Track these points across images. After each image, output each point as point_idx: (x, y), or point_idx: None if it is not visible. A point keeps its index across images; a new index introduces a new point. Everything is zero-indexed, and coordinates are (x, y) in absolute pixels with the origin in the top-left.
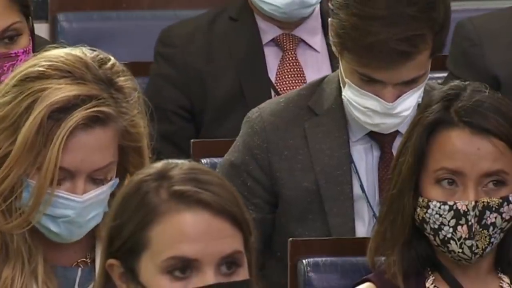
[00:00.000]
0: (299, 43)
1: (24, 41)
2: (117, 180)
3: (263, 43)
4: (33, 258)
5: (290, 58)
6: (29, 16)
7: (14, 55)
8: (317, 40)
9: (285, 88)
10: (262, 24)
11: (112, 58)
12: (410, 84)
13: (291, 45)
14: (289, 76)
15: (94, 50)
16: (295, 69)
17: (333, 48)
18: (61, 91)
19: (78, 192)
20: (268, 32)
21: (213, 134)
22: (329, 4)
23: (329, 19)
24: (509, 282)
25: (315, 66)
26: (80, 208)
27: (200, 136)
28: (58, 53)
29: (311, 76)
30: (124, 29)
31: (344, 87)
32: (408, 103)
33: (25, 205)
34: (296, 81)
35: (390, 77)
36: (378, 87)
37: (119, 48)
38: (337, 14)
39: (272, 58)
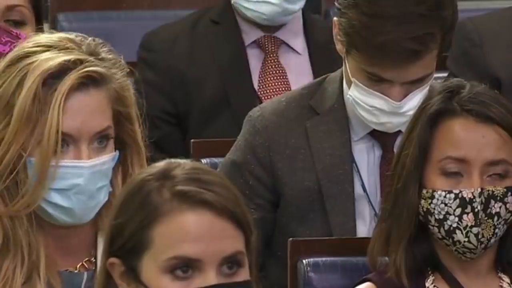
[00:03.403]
0: (281, 45)
1: (28, 32)
2: (117, 153)
3: (245, 44)
4: (33, 249)
5: (272, 60)
6: (38, 14)
7: (14, 34)
8: (298, 42)
9: (267, 90)
10: (244, 26)
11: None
12: (417, 83)
13: (273, 47)
14: (271, 78)
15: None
16: (277, 71)
17: (337, 47)
18: (50, 59)
19: (83, 157)
20: (250, 34)
21: (200, 137)
22: (336, 3)
23: (334, 18)
24: (509, 281)
25: (297, 68)
26: (88, 174)
27: (187, 140)
28: (43, 35)
29: (293, 78)
30: (124, 29)
31: (349, 86)
32: (414, 102)
33: (30, 184)
34: (278, 82)
35: (399, 76)
36: (386, 86)
37: (119, 48)
38: (345, 13)
39: (254, 60)
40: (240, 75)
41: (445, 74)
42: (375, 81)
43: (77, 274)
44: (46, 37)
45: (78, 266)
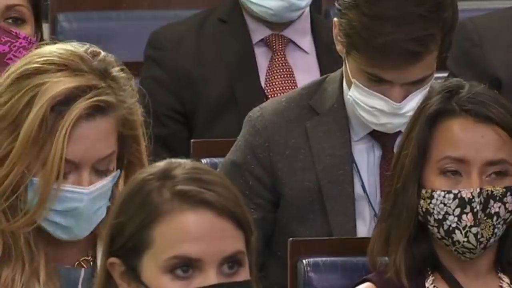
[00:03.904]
0: (288, 43)
1: (27, 30)
2: (119, 172)
3: (253, 43)
4: (34, 259)
5: (279, 59)
6: (38, 13)
7: (14, 34)
8: (306, 41)
9: (274, 88)
10: (251, 24)
11: (102, 51)
12: (417, 84)
13: (280, 46)
14: (278, 76)
15: (85, 44)
16: (284, 70)
17: (337, 48)
18: (60, 83)
19: (84, 184)
20: (258, 32)
21: (206, 136)
22: (336, 4)
23: (335, 19)
24: (508, 282)
25: (304, 66)
26: (88, 200)
27: (193, 139)
28: (51, 49)
29: (300, 76)
30: (124, 29)
31: (349, 86)
32: (415, 103)
33: (31, 204)
34: (285, 81)
35: (399, 77)
36: (386, 87)
37: (119, 48)
38: (345, 14)
39: (261, 59)
40: (247, 74)
41: (445, 74)
42: (375, 82)
43: (74, 270)
44: (58, 54)
45: (75, 264)
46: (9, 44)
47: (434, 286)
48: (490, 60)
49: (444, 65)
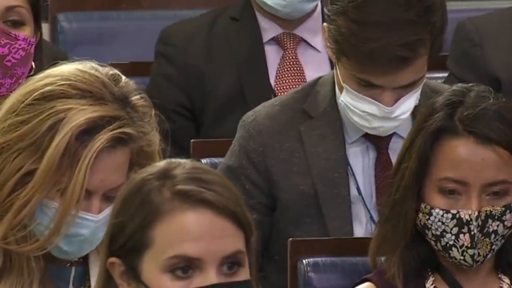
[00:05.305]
0: (300, 42)
1: (26, 32)
2: None
3: (264, 41)
4: (31, 272)
5: (291, 57)
6: (37, 14)
7: (13, 36)
8: (318, 40)
9: (283, 87)
10: (263, 23)
11: (123, 76)
12: (408, 87)
13: (291, 44)
14: (289, 75)
15: (104, 66)
16: (295, 68)
17: (329, 53)
18: (85, 112)
19: (94, 212)
20: (269, 31)
21: (213, 134)
22: (325, 10)
23: (324, 24)
24: (509, 282)
25: (315, 65)
26: (94, 227)
27: (200, 136)
28: (73, 71)
29: (311, 75)
30: (124, 29)
31: (341, 91)
32: (406, 106)
33: (45, 227)
34: (296, 80)
35: (390, 81)
36: (377, 91)
37: (119, 48)
38: (334, 20)
39: (272, 57)
40: (257, 72)
41: (445, 74)
42: (366, 87)
43: (65, 268)
44: (83, 79)
45: (66, 265)
46: (8, 46)
47: (434, 287)
48: (490, 61)
49: (444, 65)
